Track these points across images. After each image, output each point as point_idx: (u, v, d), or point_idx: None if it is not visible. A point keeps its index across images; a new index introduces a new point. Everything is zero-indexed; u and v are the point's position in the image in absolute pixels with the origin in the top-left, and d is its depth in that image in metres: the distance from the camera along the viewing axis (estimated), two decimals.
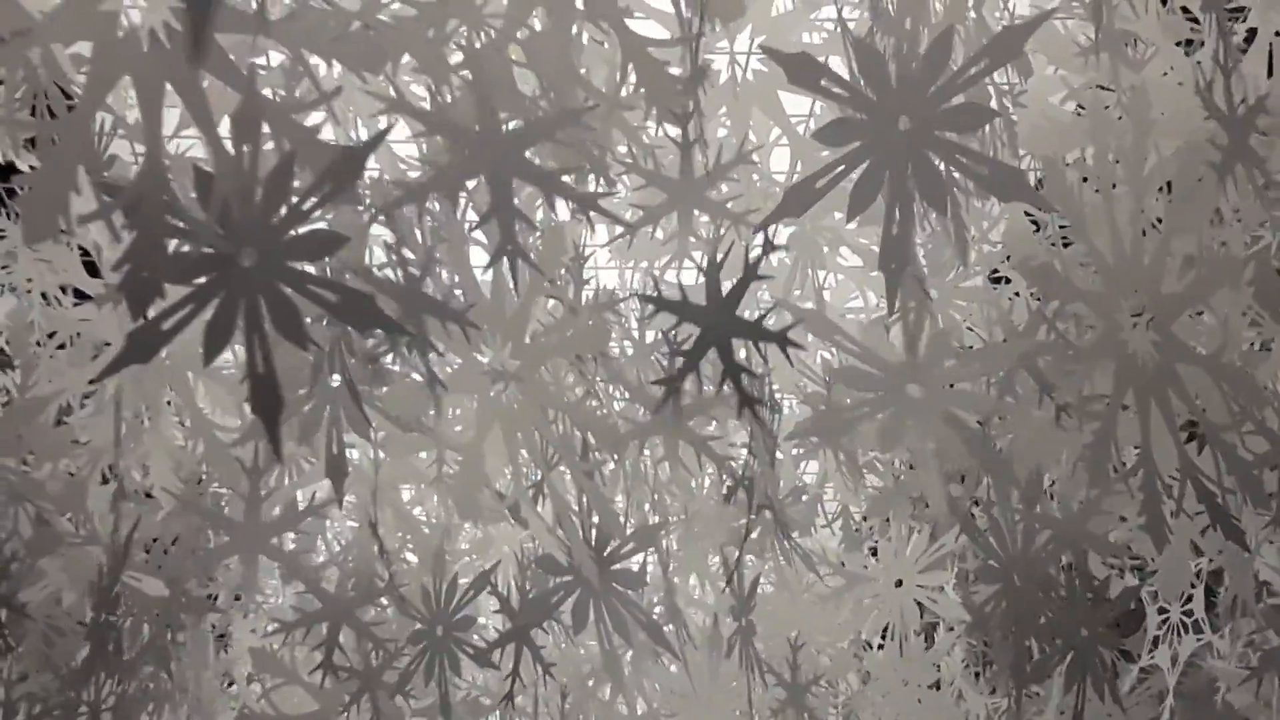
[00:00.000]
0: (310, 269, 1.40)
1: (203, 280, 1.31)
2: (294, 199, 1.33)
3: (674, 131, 1.88)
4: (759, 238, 1.71)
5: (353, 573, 2.18)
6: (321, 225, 1.38)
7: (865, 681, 2.91)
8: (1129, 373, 1.77)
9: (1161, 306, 1.78)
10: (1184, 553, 2.16)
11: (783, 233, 2.55)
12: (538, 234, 1.95)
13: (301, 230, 1.33)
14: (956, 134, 1.56)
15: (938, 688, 2.86)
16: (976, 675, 3.03)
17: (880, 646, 2.80)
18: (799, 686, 2.61)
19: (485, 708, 2.38)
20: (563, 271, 2.03)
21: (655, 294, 1.86)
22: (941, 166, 1.55)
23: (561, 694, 2.62)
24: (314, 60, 1.65)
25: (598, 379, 2.10)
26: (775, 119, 2.30)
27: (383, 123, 1.85)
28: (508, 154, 1.66)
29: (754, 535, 2.30)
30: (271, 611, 2.87)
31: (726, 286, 1.76)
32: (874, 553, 2.62)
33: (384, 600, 2.19)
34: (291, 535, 2.27)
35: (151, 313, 1.32)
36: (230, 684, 2.58)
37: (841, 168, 1.56)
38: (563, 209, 2.11)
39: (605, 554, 2.04)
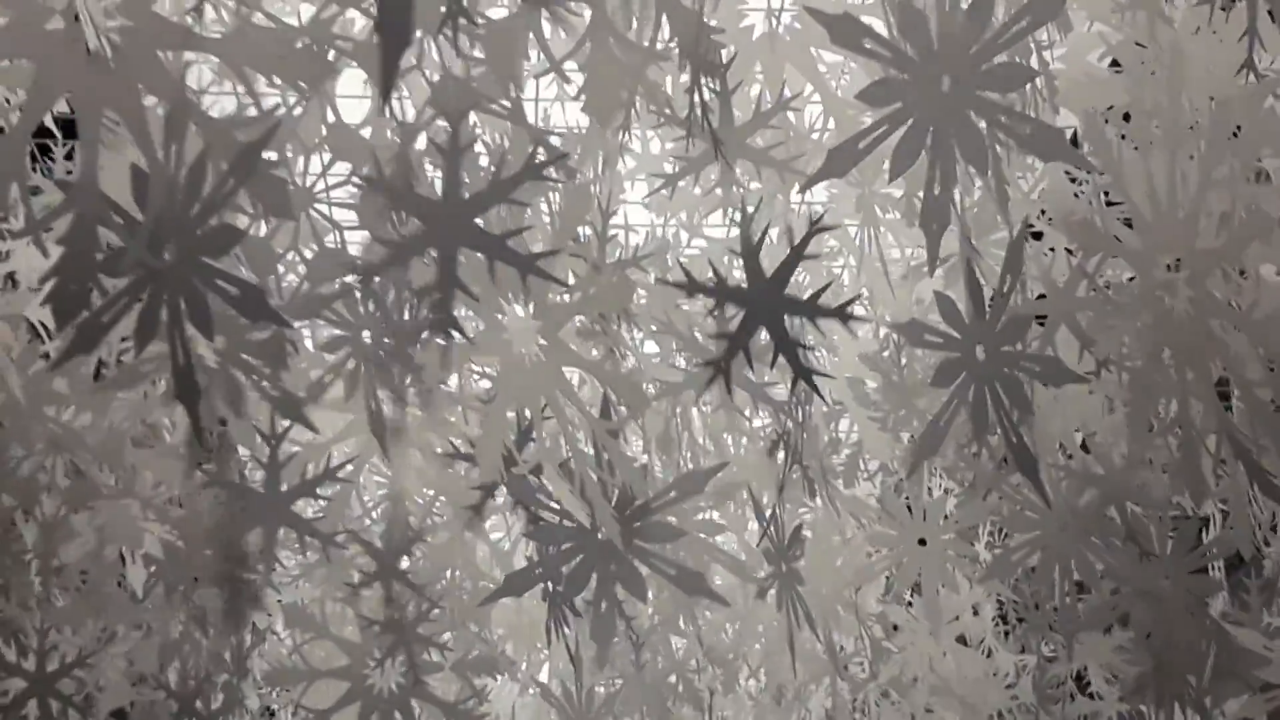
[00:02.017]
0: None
1: (133, 278, 1.41)
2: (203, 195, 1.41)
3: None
4: (802, 204, 1.72)
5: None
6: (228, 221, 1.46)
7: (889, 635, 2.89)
8: (1166, 328, 1.78)
9: (1197, 262, 1.79)
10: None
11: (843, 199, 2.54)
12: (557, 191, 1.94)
13: (210, 225, 1.42)
14: (998, 93, 1.56)
15: (964, 642, 2.86)
16: (1005, 635, 3.03)
17: (909, 603, 2.80)
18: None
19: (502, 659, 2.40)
20: (587, 231, 2.02)
21: (686, 278, 1.85)
22: (983, 126, 1.55)
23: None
24: None
25: (623, 336, 2.09)
26: (809, 76, 2.30)
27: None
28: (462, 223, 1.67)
29: (789, 485, 2.30)
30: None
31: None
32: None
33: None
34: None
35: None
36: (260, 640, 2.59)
37: (884, 128, 1.55)
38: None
39: (627, 512, 2.01)
